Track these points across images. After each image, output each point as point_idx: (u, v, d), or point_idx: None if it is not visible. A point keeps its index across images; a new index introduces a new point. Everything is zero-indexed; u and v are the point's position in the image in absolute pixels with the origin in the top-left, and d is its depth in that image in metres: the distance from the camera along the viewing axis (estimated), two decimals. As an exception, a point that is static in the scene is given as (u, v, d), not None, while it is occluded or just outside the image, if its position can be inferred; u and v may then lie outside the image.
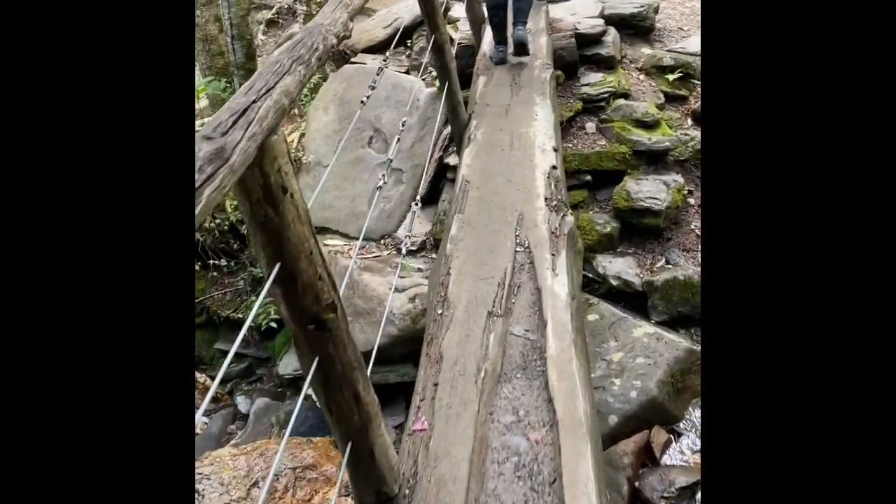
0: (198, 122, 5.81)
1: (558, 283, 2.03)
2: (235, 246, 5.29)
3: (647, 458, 3.45)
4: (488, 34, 4.06)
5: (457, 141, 3.30)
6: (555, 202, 2.45)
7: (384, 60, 2.45)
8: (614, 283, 4.29)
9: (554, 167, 2.68)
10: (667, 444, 3.51)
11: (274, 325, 4.96)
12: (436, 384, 1.73)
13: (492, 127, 3.01)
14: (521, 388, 1.74)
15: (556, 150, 2.82)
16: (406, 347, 4.47)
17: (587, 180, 4.68)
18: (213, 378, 5.27)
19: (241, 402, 5.02)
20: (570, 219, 2.38)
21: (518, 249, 2.20)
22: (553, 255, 2.17)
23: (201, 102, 5.60)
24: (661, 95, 5.19)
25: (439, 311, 1.95)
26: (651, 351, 3.74)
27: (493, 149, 2.84)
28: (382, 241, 5.10)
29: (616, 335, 3.93)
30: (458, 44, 4.93)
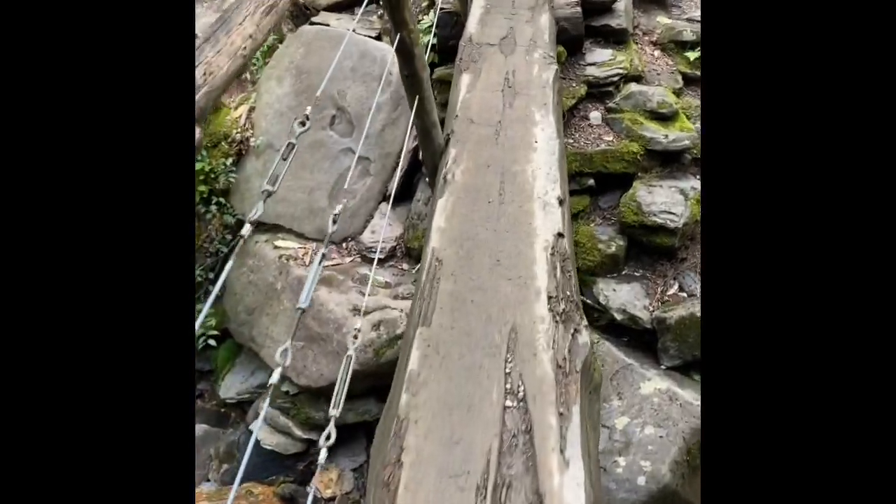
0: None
1: (569, 483, 1.29)
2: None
3: (656, 560, 2.81)
4: (477, 9, 3.20)
5: (429, 174, 2.50)
6: (563, 304, 1.69)
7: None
8: (618, 317, 3.57)
9: (560, 234, 1.91)
10: (679, 542, 2.87)
11: (212, 342, 4.22)
12: None
13: (476, 161, 2.22)
14: None
15: (561, 201, 2.04)
16: (367, 382, 3.77)
17: (589, 185, 3.90)
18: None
19: (176, 430, 4.31)
20: (584, 337, 1.63)
21: (508, 405, 1.45)
22: (561, 413, 1.43)
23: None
24: (680, 78, 4.36)
25: (380, 553, 1.22)
26: (663, 417, 3.07)
27: (477, 200, 2.05)
28: (345, 245, 4.33)
29: (620, 390, 3.24)
30: (441, 9, 4.06)
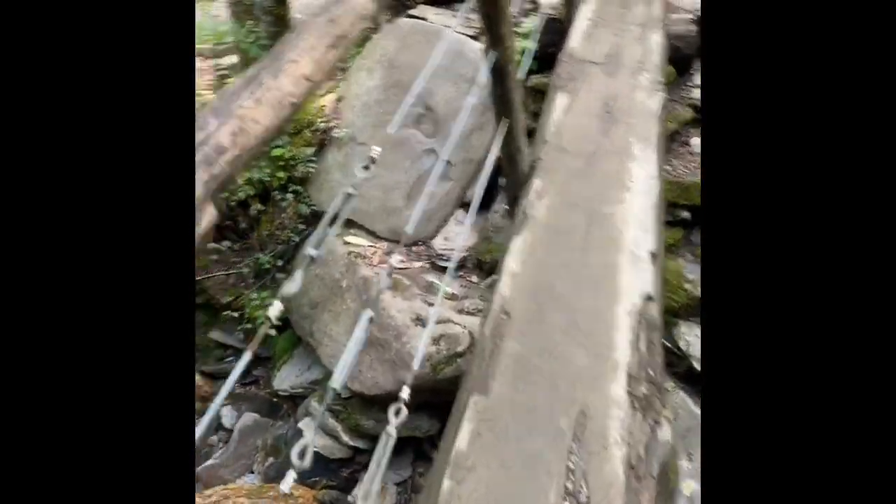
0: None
1: None
2: (244, 225, 4.44)
3: None
4: (582, 21, 2.97)
5: (508, 202, 2.30)
6: (644, 387, 1.46)
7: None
8: (698, 366, 3.28)
9: (649, 297, 1.67)
10: None
11: (273, 332, 4.14)
12: None
13: (562, 196, 2.00)
14: None
15: (654, 255, 1.81)
16: (421, 398, 3.61)
17: (683, 217, 3.61)
18: (206, 374, 4.54)
19: (227, 415, 4.28)
20: (665, 433, 1.41)
21: (567, 510, 1.25)
22: (628, 530, 1.22)
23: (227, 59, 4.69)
24: (797, 110, 3.99)
25: None
26: (736, 488, 2.78)
27: (558, 243, 1.84)
28: (414, 249, 4.18)
29: (691, 450, 2.97)
30: (546, 14, 3.82)
